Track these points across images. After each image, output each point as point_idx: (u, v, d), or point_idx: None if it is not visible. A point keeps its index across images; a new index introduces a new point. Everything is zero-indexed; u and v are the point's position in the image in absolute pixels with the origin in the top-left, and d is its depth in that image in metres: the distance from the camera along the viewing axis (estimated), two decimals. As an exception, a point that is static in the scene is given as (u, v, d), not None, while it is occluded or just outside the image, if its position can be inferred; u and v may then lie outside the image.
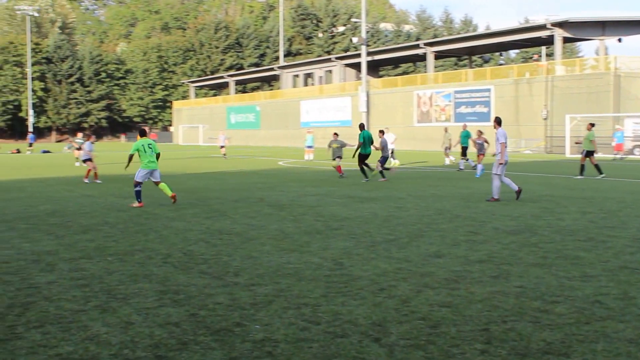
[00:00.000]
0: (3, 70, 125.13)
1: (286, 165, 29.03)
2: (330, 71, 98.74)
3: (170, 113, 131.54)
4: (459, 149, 36.27)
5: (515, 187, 19.68)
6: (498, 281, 9.14)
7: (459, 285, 8.90)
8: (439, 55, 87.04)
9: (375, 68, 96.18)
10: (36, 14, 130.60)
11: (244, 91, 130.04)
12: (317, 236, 13.05)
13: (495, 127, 19.86)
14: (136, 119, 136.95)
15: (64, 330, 7.06)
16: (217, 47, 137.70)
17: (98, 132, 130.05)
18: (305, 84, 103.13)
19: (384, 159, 28.66)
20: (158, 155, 19.32)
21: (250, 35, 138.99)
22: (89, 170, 28.09)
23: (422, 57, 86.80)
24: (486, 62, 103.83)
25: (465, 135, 35.56)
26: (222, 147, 52.67)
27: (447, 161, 40.62)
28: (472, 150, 33.97)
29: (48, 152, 69.78)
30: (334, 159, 30.41)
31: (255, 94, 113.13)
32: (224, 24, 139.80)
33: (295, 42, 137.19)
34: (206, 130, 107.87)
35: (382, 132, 30.01)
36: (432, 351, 6.34)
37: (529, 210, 17.11)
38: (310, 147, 49.28)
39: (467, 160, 35.27)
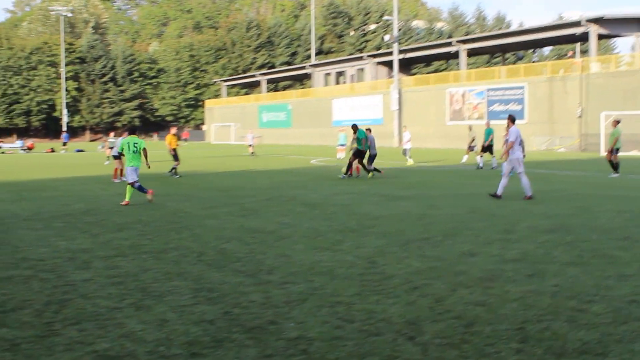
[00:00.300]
0: (37, 71, 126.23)
1: (318, 164, 29.05)
2: (362, 69, 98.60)
3: (202, 112, 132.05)
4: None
5: (500, 191, 19.47)
6: (533, 280, 9.07)
7: (494, 284, 8.84)
8: (471, 53, 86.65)
9: (407, 66, 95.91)
10: (70, 15, 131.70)
11: (275, 90, 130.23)
12: (350, 234, 13.03)
13: (508, 125, 19.76)
14: (168, 118, 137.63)
15: (100, 327, 7.11)
16: (248, 46, 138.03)
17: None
18: (337, 83, 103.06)
19: (371, 158, 29.27)
20: (145, 151, 19.43)
21: (281, 33, 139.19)
22: (116, 169, 28.17)
23: (455, 55, 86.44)
24: (519, 59, 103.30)
25: (489, 133, 35.16)
26: (250, 145, 53.22)
27: (465, 158, 40.04)
28: (497, 147, 33.83)
29: (82, 151, 70.33)
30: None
31: (286, 93, 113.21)
32: (256, 22, 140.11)
33: (327, 40, 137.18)
34: (238, 128, 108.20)
35: (369, 130, 30.52)
36: (466, 350, 6.31)
37: (563, 209, 16.96)
38: (342, 145, 49.15)
39: (492, 158, 34.73)
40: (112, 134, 45.39)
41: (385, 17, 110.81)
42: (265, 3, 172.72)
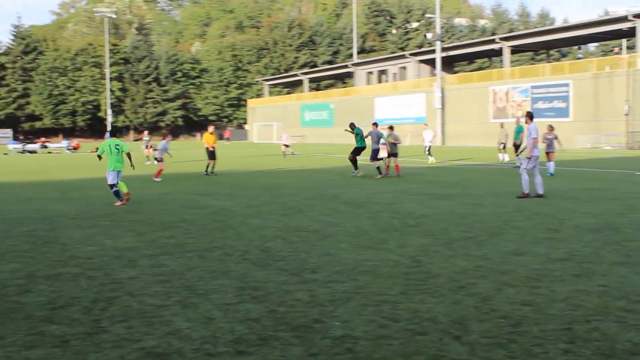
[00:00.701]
0: (82, 71, 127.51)
1: (361, 163, 29.06)
2: (404, 68, 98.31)
3: (245, 111, 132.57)
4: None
5: (526, 190, 19.44)
6: (580, 280, 8.98)
7: (540, 284, 8.77)
8: (515, 50, 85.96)
9: (449, 64, 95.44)
10: (114, 16, 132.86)
11: (317, 89, 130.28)
12: (394, 233, 13.01)
13: (527, 122, 19.63)
14: (211, 118, 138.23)
15: (147, 324, 7.19)
16: (290, 45, 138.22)
17: (174, 131, 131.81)
18: (379, 81, 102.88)
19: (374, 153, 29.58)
20: (129, 155, 19.29)
21: (323, 32, 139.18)
22: (160, 170, 28.47)
23: (498, 52, 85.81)
24: (564, 56, 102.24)
25: (519, 131, 34.69)
26: (286, 145, 52.77)
27: (501, 157, 39.60)
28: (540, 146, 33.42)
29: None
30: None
31: (328, 92, 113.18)
32: (298, 21, 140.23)
33: (369, 38, 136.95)
34: (279, 128, 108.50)
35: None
36: (514, 350, 6.27)
37: (610, 208, 16.78)
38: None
39: (517, 156, 34.12)
40: (145, 133, 46.25)
41: (428, 15, 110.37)
42: (307, 2, 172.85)
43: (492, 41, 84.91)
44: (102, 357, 6.22)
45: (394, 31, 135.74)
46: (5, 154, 66.80)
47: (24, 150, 70.25)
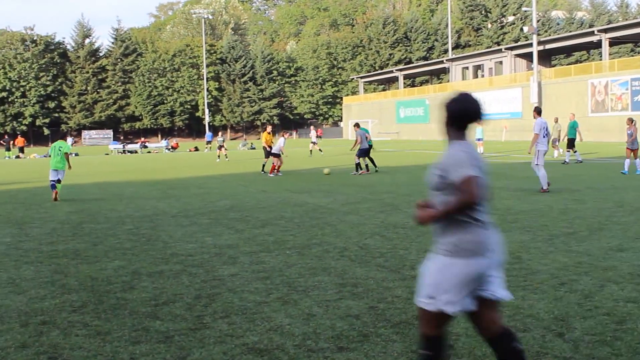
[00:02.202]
0: (180, 72, 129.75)
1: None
2: (500, 62, 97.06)
3: (340, 109, 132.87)
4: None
5: (544, 186, 19.71)
6: (687, 276, 8.75)
7: (645, 280, 8.58)
8: (614, 42, 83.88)
9: (547, 57, 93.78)
10: (210, 17, 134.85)
11: (412, 85, 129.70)
12: (493, 229, 12.85)
13: (534, 117, 20.02)
14: (307, 116, 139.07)
15: (248, 320, 7.29)
16: (385, 42, 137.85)
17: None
18: (475, 76, 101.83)
19: (361, 152, 29.68)
20: (66, 155, 21.66)
21: (418, 28, 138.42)
22: (274, 166, 29.76)
23: (597, 45, 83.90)
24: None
25: (572, 126, 34.07)
26: (314, 143, 51.49)
27: (556, 154, 38.57)
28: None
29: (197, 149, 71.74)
30: None
31: (424, 88, 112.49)
32: (392, 18, 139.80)
33: (464, 33, 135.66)
34: (375, 125, 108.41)
35: (357, 125, 31.06)
36: (619, 347, 6.15)
37: None
38: (479, 139, 48.54)
39: (575, 152, 33.62)
40: (220, 134, 48.13)
41: (524, 9, 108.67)
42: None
43: (591, 33, 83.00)
44: (205, 352, 6.34)
45: (489, 25, 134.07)
46: (107, 154, 68.52)
47: (124, 150, 71.89)
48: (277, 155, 29.94)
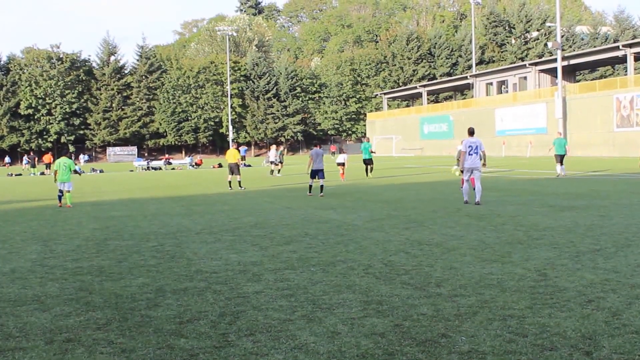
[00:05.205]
0: (204, 89, 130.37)
1: (482, 174, 28.77)
2: (524, 78, 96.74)
3: (364, 125, 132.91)
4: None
5: (465, 198, 22.14)
6: None
7: (674, 298, 8.47)
8: (639, 57, 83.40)
9: (571, 73, 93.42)
10: (234, 34, 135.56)
11: (436, 101, 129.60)
12: (519, 246, 12.79)
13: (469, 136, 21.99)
14: (330, 132, 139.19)
15: (273, 338, 7.25)
16: (409, 58, 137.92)
17: (294, 146, 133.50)
18: (499, 92, 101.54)
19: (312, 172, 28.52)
20: (76, 171, 26.59)
21: (442, 44, 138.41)
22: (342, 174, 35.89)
23: (622, 59, 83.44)
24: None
25: (560, 144, 35.32)
26: (273, 162, 50.01)
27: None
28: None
29: (249, 165, 71.96)
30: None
31: (447, 104, 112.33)
32: (416, 34, 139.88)
33: (488, 49, 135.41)
34: (399, 141, 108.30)
35: (316, 144, 30.60)
36: (648, 366, 6.06)
37: None
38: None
39: (561, 167, 35.33)
40: (273, 147, 48.87)
41: (548, 24, 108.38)
42: (425, 15, 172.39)
43: (615, 48, 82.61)
44: (230, 370, 6.31)
45: (513, 41, 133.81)
46: (131, 170, 68.83)
47: (148, 167, 72.20)
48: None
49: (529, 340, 6.90)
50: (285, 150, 50.25)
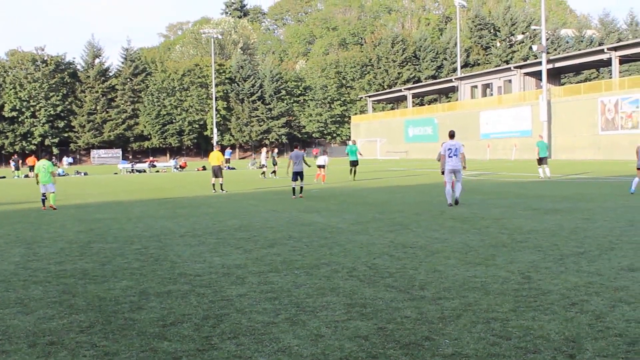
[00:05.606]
0: (189, 92, 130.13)
1: (466, 178, 28.79)
2: (509, 81, 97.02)
3: (349, 128, 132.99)
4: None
5: (450, 200, 22.19)
6: (699, 296, 8.67)
7: (657, 300, 8.50)
8: (624, 60, 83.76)
9: (556, 76, 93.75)
10: (220, 37, 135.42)
11: (421, 104, 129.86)
12: (503, 249, 12.81)
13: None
14: (315, 135, 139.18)
15: (257, 341, 7.24)
16: (394, 61, 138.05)
17: (278, 149, 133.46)
18: (484, 95, 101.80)
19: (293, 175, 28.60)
20: (52, 173, 25.97)
21: (427, 47, 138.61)
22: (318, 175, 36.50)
23: (606, 63, 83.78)
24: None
25: (543, 146, 36.60)
26: (263, 165, 50.34)
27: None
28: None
29: (233, 168, 71.86)
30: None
31: (432, 107, 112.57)
32: (401, 37, 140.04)
33: (473, 52, 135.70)
34: (383, 144, 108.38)
35: (296, 145, 30.80)
36: (631, 369, 6.08)
37: None
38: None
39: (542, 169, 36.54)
40: (264, 149, 48.93)
41: (533, 27, 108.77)
42: (410, 18, 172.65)
43: (600, 51, 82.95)
44: (213, 373, 6.29)
45: (498, 44, 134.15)
46: (115, 173, 68.61)
47: (132, 169, 72.02)
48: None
49: (513, 343, 6.92)
50: (277, 152, 50.10)
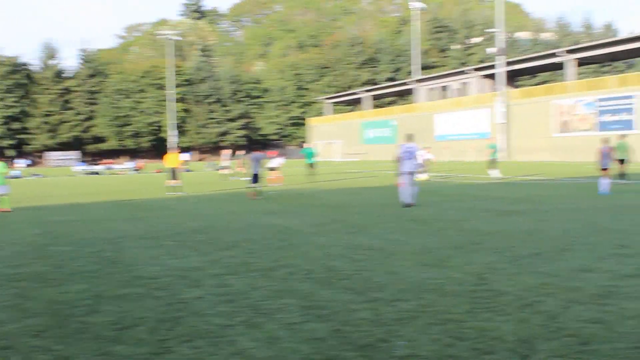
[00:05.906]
0: (146, 93, 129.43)
1: (423, 179, 29.01)
2: (466, 83, 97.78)
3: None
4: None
5: (407, 200, 22.45)
6: (651, 296, 8.78)
7: (610, 301, 8.58)
8: (579, 63, 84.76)
9: (512, 78, 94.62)
10: (178, 38, 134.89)
11: (379, 106, 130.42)
12: (460, 251, 12.88)
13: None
14: (272, 137, 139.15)
15: (212, 344, 7.20)
16: (352, 63, 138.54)
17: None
18: (442, 97, 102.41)
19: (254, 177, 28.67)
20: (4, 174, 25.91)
21: (384, 50, 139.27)
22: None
23: (562, 65, 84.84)
24: (630, 67, 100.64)
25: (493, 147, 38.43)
26: (224, 167, 50.69)
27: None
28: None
29: (189, 170, 71.52)
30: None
31: (390, 109, 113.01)
32: (359, 39, 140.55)
33: (430, 55, 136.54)
34: (340, 146, 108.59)
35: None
36: (584, 369, 6.15)
37: (680, 222, 16.42)
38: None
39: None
40: (224, 152, 48.84)
41: (489, 30, 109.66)
42: (368, 20, 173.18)
43: (554, 55, 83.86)
44: (168, 377, 6.25)
45: (455, 47, 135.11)
46: (70, 175, 68.00)
47: (89, 171, 71.46)
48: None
49: (468, 344, 6.95)
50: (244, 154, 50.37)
